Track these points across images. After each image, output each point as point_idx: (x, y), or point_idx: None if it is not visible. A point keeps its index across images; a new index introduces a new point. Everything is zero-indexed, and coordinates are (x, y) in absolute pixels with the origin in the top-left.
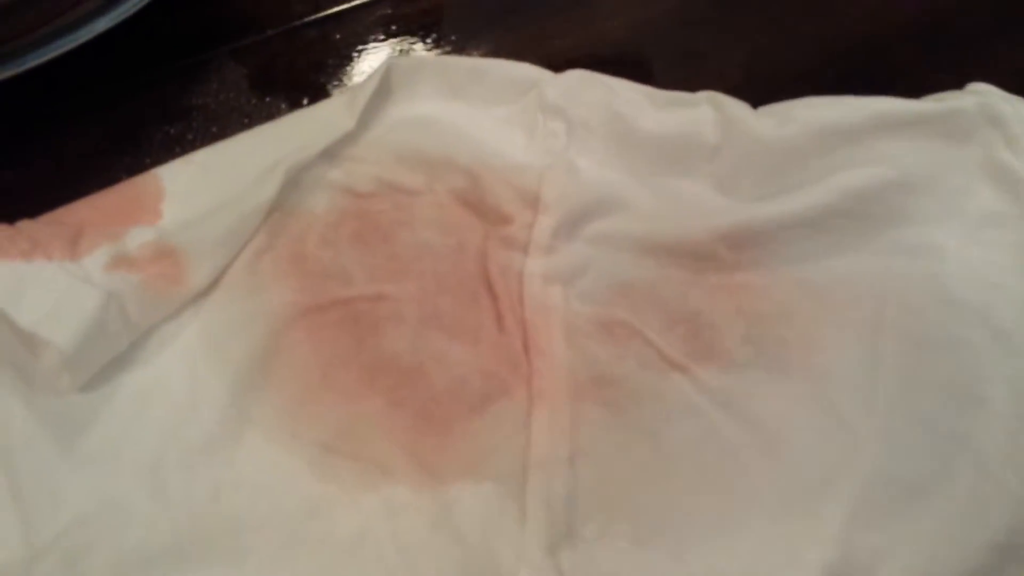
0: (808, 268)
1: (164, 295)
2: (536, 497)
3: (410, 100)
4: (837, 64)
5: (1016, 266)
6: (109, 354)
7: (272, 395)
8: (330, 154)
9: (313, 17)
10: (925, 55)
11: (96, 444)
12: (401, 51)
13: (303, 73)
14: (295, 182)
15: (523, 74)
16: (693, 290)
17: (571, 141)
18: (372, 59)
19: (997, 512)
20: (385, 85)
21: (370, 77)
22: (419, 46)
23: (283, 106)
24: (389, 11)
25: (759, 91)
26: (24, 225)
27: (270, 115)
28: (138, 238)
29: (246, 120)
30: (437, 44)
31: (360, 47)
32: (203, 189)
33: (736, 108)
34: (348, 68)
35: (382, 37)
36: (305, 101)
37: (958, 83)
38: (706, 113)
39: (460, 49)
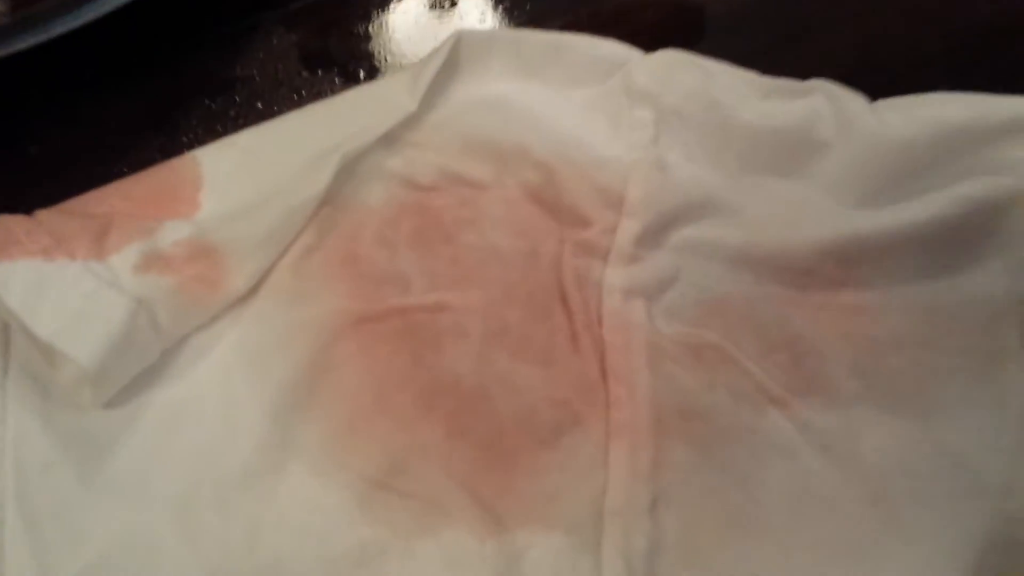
0: (927, 289)
1: (200, 301)
2: (613, 551)
3: (480, 79)
4: (961, 51)
5: None
6: (136, 368)
7: (318, 420)
8: (389, 139)
9: None
10: None
11: (120, 471)
12: (471, 23)
13: (360, 44)
14: (349, 171)
15: (608, 53)
16: (794, 310)
17: (661, 133)
18: (438, 30)
19: None
20: (452, 61)
21: (435, 52)
22: (490, 17)
23: (337, 81)
24: None
25: (875, 78)
26: (45, 217)
27: (322, 92)
28: (173, 234)
29: (295, 96)
30: (510, 15)
31: (425, 16)
32: (246, 177)
33: (852, 102)
34: (411, 40)
35: (449, 5)
36: (362, 75)
37: None
38: (818, 105)
39: (536, 22)
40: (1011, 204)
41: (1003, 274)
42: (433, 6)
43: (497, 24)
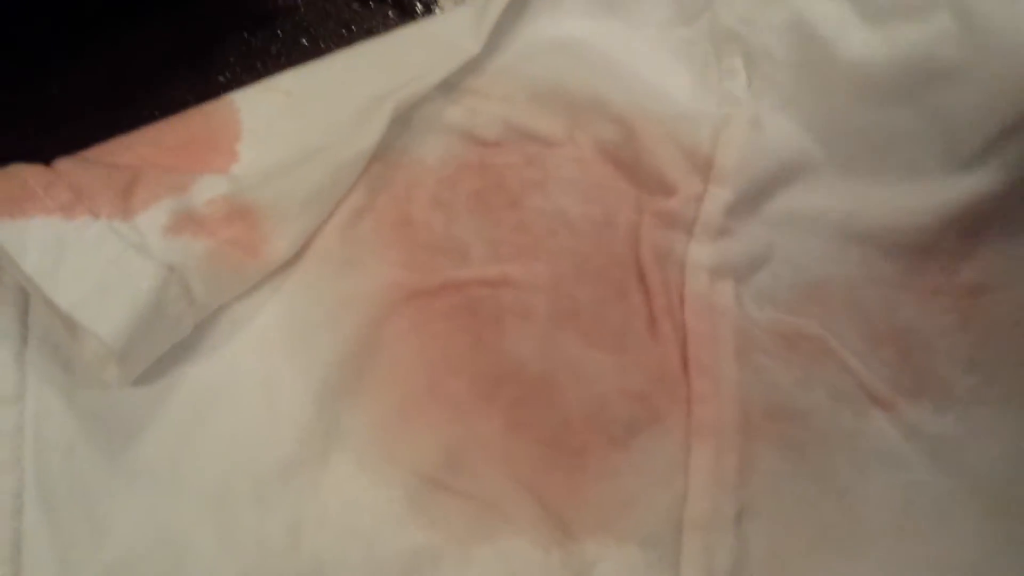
0: None
1: (237, 269)
2: (693, 569)
3: (551, 16)
4: None
5: None
6: (167, 343)
7: (366, 406)
8: (448, 86)
9: None
10: None
11: (148, 457)
12: None
13: None
14: (403, 122)
15: None
16: (904, 295)
17: (753, 81)
18: None
19: None
20: None
21: None
22: None
23: (391, 15)
24: None
25: None
26: (65, 167)
27: (374, 27)
28: (207, 191)
29: (344, 31)
30: None
31: None
32: (289, 126)
33: (993, 5)
34: None
35: None
36: (419, 10)
37: None
38: (942, 25)
39: None
40: None
41: None
42: None
43: None
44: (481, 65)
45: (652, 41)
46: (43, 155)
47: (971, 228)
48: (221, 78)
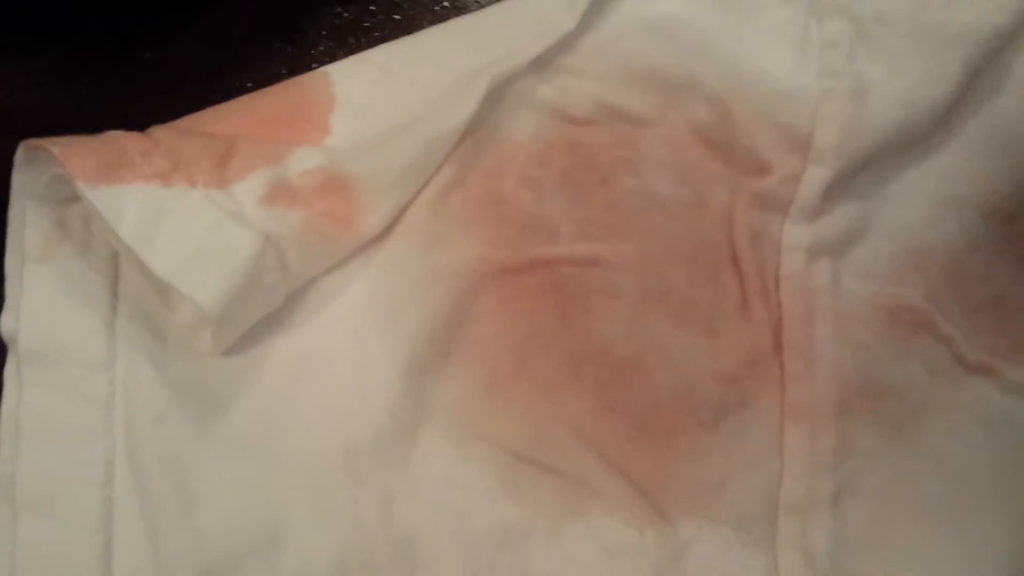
0: None
1: (331, 240)
2: (790, 551)
3: None
4: None
5: None
6: (260, 312)
7: (453, 381)
8: (541, 63)
9: None
10: None
11: (239, 428)
12: None
13: None
14: (496, 98)
15: None
16: (1001, 262)
17: (859, 50)
18: None
19: None
20: None
21: None
22: None
23: None
24: None
25: None
26: (162, 135)
27: (467, 4)
28: (303, 162)
29: (437, 7)
30: None
31: None
32: (383, 100)
33: None
34: None
35: None
36: None
37: None
38: None
39: None
40: None
41: None
42: None
43: None
44: (574, 43)
45: (749, 18)
46: (136, 124)
47: None
48: (314, 51)
